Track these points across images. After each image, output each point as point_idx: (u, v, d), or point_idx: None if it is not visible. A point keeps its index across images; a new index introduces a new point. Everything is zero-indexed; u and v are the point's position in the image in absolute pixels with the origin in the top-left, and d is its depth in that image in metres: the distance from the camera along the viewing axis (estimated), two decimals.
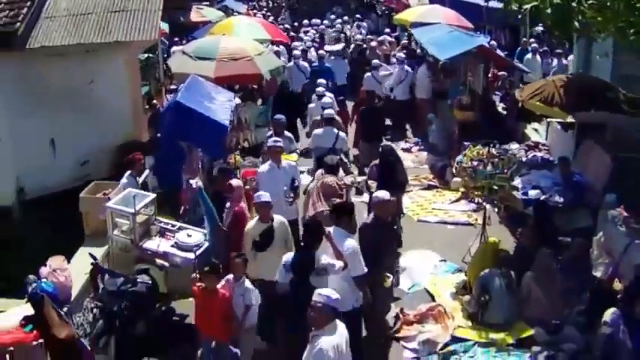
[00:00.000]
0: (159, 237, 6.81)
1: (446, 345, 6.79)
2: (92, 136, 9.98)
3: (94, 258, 6.33)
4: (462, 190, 9.83)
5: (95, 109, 10.02)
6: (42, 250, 6.73)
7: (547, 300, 7.24)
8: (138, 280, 6.17)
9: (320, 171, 8.39)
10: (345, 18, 22.36)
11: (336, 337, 4.90)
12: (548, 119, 11.13)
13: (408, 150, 12.49)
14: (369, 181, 8.84)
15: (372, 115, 11.19)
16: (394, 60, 14.15)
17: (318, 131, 9.65)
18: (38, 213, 9.10)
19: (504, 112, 12.30)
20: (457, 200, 10.18)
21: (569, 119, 10.27)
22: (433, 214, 9.93)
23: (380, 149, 9.30)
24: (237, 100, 10.38)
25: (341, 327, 5.03)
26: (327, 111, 9.90)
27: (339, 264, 5.97)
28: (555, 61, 15.02)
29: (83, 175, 9.74)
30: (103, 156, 10.15)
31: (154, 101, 11.85)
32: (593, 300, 6.74)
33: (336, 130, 9.38)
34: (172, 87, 13.11)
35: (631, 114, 9.17)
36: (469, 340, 6.87)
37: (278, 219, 7.10)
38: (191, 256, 6.53)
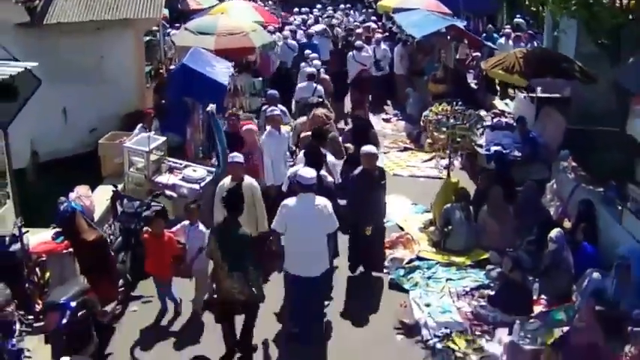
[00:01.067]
0: (168, 173, 7.97)
1: (411, 261, 8.01)
2: (100, 105, 10.88)
3: (115, 186, 7.50)
4: (433, 152, 11.08)
5: (104, 82, 10.96)
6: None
7: (501, 232, 8.47)
8: (152, 204, 7.31)
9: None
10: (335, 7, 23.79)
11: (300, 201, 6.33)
12: (517, 93, 12.43)
13: (387, 120, 13.79)
14: (345, 145, 9.70)
15: (339, 78, 13.17)
16: (374, 41, 15.40)
17: (301, 85, 11.15)
18: (51, 175, 9.91)
19: (476, 87, 13.56)
20: (429, 159, 11.42)
21: (533, 94, 11.54)
22: (407, 169, 11.23)
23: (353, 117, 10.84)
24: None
25: (310, 197, 6.35)
26: (307, 69, 11.26)
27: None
28: (528, 46, 16.26)
29: (92, 141, 10.52)
30: (110, 124, 10.93)
31: (161, 70, 12.88)
32: (542, 231, 7.97)
33: (314, 84, 10.91)
34: (172, 67, 14.26)
35: (582, 81, 10.43)
36: (432, 260, 8.11)
37: (248, 180, 7.62)
38: (196, 187, 7.69)
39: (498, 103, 12.91)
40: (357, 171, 8.09)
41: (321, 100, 10.41)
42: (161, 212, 7.04)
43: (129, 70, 11.83)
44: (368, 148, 8.13)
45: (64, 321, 5.87)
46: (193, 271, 7.18)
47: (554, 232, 7.41)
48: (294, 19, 19.41)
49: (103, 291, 6.47)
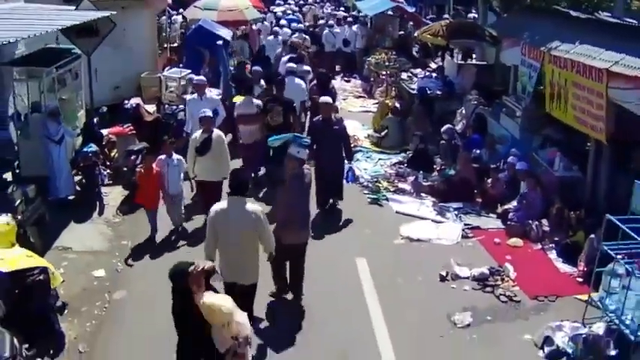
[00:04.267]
0: (191, 94, 11.64)
1: (355, 147, 11.74)
2: (122, 68, 13.35)
3: (159, 99, 11.20)
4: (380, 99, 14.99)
5: (125, 50, 13.45)
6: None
7: (419, 138, 12.34)
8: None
9: None
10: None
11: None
12: (447, 57, 16.37)
13: (348, 80, 17.87)
14: (313, 96, 11.57)
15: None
16: (342, 23, 19.45)
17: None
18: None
19: (417, 54, 17.56)
20: (376, 103, 15.27)
21: (459, 62, 15.48)
22: (358, 107, 15.15)
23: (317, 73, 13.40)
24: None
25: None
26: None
27: None
28: None
29: (116, 96, 13.00)
30: (129, 83, 13.78)
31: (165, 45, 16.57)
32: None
33: None
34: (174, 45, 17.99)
35: (489, 42, 14.36)
36: (370, 149, 11.95)
37: (217, 132, 8.66)
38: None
39: (432, 64, 16.88)
40: (316, 118, 9.76)
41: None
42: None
43: (145, 41, 15.00)
44: (324, 99, 9.70)
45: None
46: (170, 196, 8.76)
47: (444, 128, 11.31)
48: (276, 7, 23.48)
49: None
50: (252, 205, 6.18)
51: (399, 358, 6.28)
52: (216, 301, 4.80)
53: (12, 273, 6.20)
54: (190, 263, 4.89)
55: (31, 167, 9.84)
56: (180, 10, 19.91)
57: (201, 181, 8.74)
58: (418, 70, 15.75)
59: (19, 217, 7.47)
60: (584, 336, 6.35)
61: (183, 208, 9.08)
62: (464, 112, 13.38)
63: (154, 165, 8.71)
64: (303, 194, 7.08)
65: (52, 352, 6.29)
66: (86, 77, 11.31)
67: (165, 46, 17.91)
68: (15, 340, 5.52)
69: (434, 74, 15.58)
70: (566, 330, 6.55)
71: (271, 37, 17.25)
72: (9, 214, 7.17)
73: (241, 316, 4.95)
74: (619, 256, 6.52)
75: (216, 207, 6.15)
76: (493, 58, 14.21)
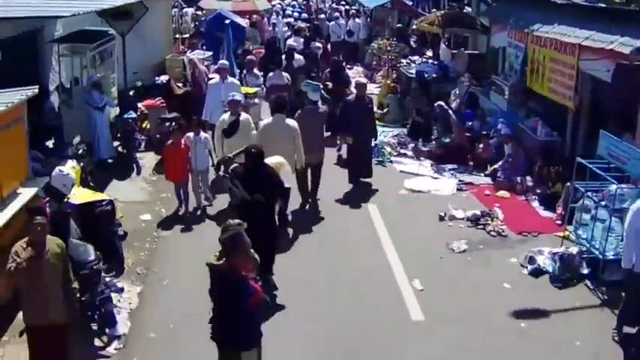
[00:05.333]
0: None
1: None
2: (140, 55, 14.18)
3: (185, 78, 12.47)
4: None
5: (143, 38, 14.63)
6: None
7: (416, 112, 13.68)
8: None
9: None
10: None
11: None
12: (441, 44, 17.74)
13: (350, 68, 19.01)
14: (325, 82, 13.55)
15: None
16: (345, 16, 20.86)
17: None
18: None
19: (414, 44, 18.94)
20: (378, 87, 16.62)
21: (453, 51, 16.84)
22: None
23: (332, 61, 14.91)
24: None
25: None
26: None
27: None
28: None
29: (135, 80, 13.89)
30: (147, 69, 15.00)
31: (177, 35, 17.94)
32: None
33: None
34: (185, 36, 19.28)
35: (480, 31, 15.73)
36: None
37: (244, 115, 9.02)
38: None
39: (428, 52, 18.26)
40: (350, 97, 10.61)
41: None
42: (181, 126, 9.85)
43: (160, 31, 16.45)
44: (359, 79, 11.99)
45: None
46: (196, 172, 9.19)
47: (437, 104, 12.63)
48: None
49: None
50: (290, 120, 8.63)
51: (408, 273, 7.60)
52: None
53: (81, 205, 7.46)
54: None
55: (72, 133, 11.02)
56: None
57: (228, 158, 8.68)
58: (416, 58, 17.12)
59: (81, 164, 8.73)
60: (560, 254, 7.69)
61: (208, 185, 9.51)
62: (457, 92, 14.72)
63: (182, 141, 9.19)
64: (317, 125, 9.29)
65: (114, 272, 7.54)
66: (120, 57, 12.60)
67: (177, 36, 19.22)
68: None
69: (430, 60, 16.98)
70: (546, 253, 7.90)
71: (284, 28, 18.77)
72: (74, 160, 8.46)
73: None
74: (587, 192, 7.92)
75: (264, 122, 8.88)
76: (485, 48, 15.59)
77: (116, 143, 11.36)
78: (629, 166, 7.53)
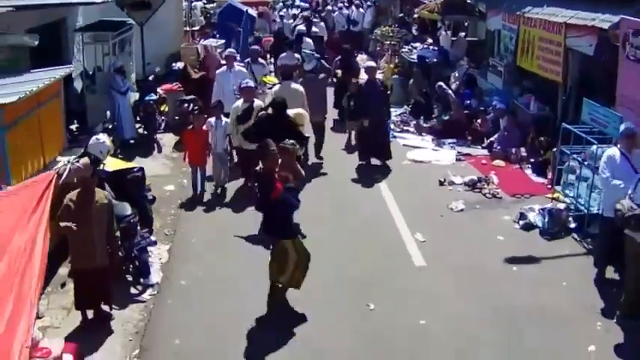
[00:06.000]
0: None
1: None
2: (153, 47, 14.32)
3: (200, 64, 13.27)
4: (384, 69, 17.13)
5: (155, 31, 14.85)
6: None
7: (418, 93, 14.46)
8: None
9: None
10: None
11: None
12: (441, 32, 18.49)
13: (356, 56, 19.58)
14: (336, 70, 14.26)
15: None
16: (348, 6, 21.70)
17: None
18: None
19: (415, 32, 19.70)
20: (382, 72, 17.38)
21: (452, 38, 17.60)
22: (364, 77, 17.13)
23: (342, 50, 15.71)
24: None
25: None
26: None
27: None
28: None
29: (148, 70, 14.19)
30: (159, 59, 15.45)
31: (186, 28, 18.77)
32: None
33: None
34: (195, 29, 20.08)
35: (477, 16, 16.48)
36: None
37: (257, 102, 9.23)
38: None
39: (429, 39, 18.98)
40: (362, 81, 11.34)
41: None
42: (202, 109, 10.84)
43: (172, 24, 17.10)
44: (369, 63, 11.82)
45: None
46: (217, 154, 9.60)
47: (437, 84, 13.39)
48: None
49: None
50: (298, 85, 10.03)
51: (410, 228, 8.40)
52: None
53: (114, 172, 8.25)
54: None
55: (95, 117, 11.85)
56: None
57: (241, 149, 9.34)
58: (417, 44, 17.83)
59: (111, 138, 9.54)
60: (548, 209, 8.45)
61: (228, 167, 9.92)
62: (457, 74, 15.46)
63: (203, 126, 9.58)
64: (318, 90, 10.72)
65: (147, 229, 8.32)
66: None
67: (187, 29, 20.01)
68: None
69: (431, 47, 17.73)
70: (536, 209, 8.67)
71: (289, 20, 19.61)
72: (105, 134, 9.28)
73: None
74: (572, 155, 8.68)
75: (276, 87, 10.24)
76: (484, 34, 16.34)
77: (137, 126, 12.19)
78: (609, 129, 8.28)
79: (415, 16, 17.84)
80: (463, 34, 17.38)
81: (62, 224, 6.02)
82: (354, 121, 11.21)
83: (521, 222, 8.59)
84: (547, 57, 11.03)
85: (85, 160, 6.36)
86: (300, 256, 6.51)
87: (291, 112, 8.47)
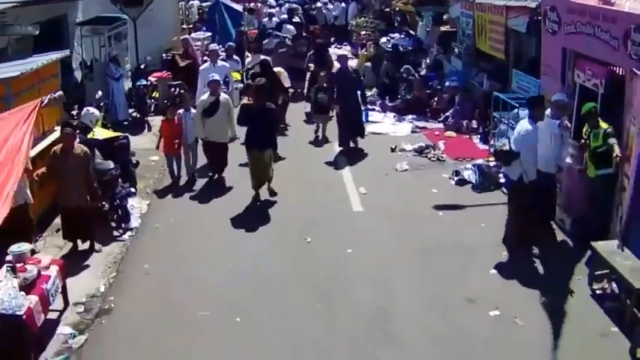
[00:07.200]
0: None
1: None
2: (151, 42, 15.73)
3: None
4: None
5: (151, 28, 16.20)
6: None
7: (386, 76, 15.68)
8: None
9: None
10: None
11: None
12: (419, 24, 19.74)
13: (340, 48, 21.17)
14: (309, 64, 14.79)
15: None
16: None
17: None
18: None
19: (397, 23, 20.99)
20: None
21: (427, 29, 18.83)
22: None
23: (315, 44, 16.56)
24: None
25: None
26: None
27: None
28: None
29: (145, 63, 16.10)
30: (157, 54, 16.56)
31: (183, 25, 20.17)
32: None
33: None
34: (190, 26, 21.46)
35: (448, 7, 17.69)
36: None
37: (224, 95, 9.48)
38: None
39: (410, 31, 20.26)
40: (335, 69, 12.15)
41: None
42: (174, 101, 11.69)
43: (169, 20, 18.41)
44: (342, 51, 14.39)
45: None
46: (187, 145, 9.94)
47: (403, 68, 14.63)
48: None
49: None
50: (263, 56, 12.72)
51: (356, 184, 9.74)
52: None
53: (104, 139, 9.63)
54: None
55: (93, 102, 13.25)
56: None
57: (208, 142, 9.72)
58: (396, 35, 19.12)
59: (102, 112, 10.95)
60: (478, 165, 9.69)
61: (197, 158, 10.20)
62: (428, 61, 16.77)
63: (175, 117, 9.99)
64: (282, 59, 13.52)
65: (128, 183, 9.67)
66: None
67: (184, 26, 21.37)
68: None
69: (408, 37, 19.00)
70: (470, 167, 9.91)
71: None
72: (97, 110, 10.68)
73: None
74: (502, 119, 9.91)
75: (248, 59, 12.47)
76: None
77: (131, 110, 13.59)
78: (530, 94, 9.51)
79: (397, 9, 19.12)
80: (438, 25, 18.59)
81: (38, 171, 7.59)
82: (319, 114, 11.98)
83: (456, 178, 9.83)
84: (495, 37, 12.28)
85: (60, 93, 7.89)
86: (270, 163, 9.14)
87: (275, 69, 11.74)
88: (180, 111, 10.02)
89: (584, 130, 7.76)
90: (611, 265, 6.73)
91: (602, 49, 7.89)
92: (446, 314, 6.45)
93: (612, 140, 7.21)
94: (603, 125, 7.46)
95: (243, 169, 9.78)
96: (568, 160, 8.05)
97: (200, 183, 10.17)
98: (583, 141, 7.72)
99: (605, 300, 6.74)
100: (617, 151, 7.10)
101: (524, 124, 7.59)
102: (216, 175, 10.05)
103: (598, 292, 6.91)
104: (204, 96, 9.72)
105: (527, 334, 6.14)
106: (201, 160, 10.38)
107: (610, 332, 6.21)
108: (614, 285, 6.93)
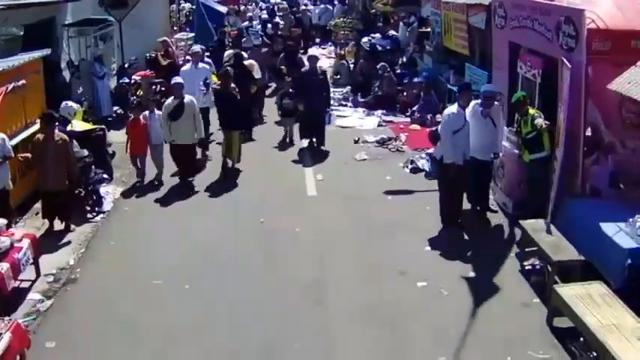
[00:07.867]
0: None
1: None
2: (141, 43, 16.34)
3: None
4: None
5: (140, 30, 16.81)
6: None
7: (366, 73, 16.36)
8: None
9: None
10: None
11: None
12: (400, 24, 20.41)
13: (324, 47, 21.86)
14: (281, 67, 14.67)
15: None
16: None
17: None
18: None
19: (380, 24, 21.68)
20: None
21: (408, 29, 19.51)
22: (327, 64, 19.10)
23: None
24: None
25: None
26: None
27: None
28: None
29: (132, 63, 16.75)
30: (145, 54, 16.83)
31: (175, 27, 21.01)
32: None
33: None
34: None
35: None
36: None
37: (188, 97, 9.62)
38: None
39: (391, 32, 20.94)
40: (304, 69, 12.16)
41: None
42: (140, 103, 12.62)
43: (159, 22, 19.15)
44: (312, 51, 14.82)
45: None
46: (152, 146, 10.13)
47: (380, 65, 15.31)
48: None
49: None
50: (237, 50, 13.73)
51: (314, 172, 10.43)
52: None
53: (82, 131, 10.39)
54: None
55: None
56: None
57: (175, 144, 9.84)
58: (377, 35, 19.82)
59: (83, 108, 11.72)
60: (430, 153, 10.34)
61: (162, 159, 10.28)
62: (404, 59, 17.45)
63: (141, 118, 10.21)
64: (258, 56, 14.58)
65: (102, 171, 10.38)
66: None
67: (175, 28, 22.18)
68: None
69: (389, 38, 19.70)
70: (424, 156, 10.57)
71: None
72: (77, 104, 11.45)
73: None
74: None
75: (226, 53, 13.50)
76: None
77: (116, 108, 14.34)
78: (478, 85, 10.17)
79: (377, 10, 19.86)
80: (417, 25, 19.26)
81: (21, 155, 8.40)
82: (285, 118, 12.07)
83: (410, 166, 10.50)
84: (459, 35, 12.96)
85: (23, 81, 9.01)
86: (240, 143, 10.38)
87: (246, 62, 12.68)
88: (146, 112, 10.26)
89: (515, 118, 8.43)
90: (535, 241, 7.39)
91: (538, 41, 8.52)
92: (376, 285, 7.11)
93: (538, 121, 7.84)
94: (531, 111, 8.12)
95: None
96: (506, 144, 8.71)
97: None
98: (514, 129, 8.38)
99: (532, 275, 7.32)
100: (540, 122, 7.73)
101: (451, 109, 8.29)
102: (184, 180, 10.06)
103: (527, 267, 7.48)
104: (168, 100, 9.90)
105: (450, 304, 6.73)
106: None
107: (532, 303, 6.78)
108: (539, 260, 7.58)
